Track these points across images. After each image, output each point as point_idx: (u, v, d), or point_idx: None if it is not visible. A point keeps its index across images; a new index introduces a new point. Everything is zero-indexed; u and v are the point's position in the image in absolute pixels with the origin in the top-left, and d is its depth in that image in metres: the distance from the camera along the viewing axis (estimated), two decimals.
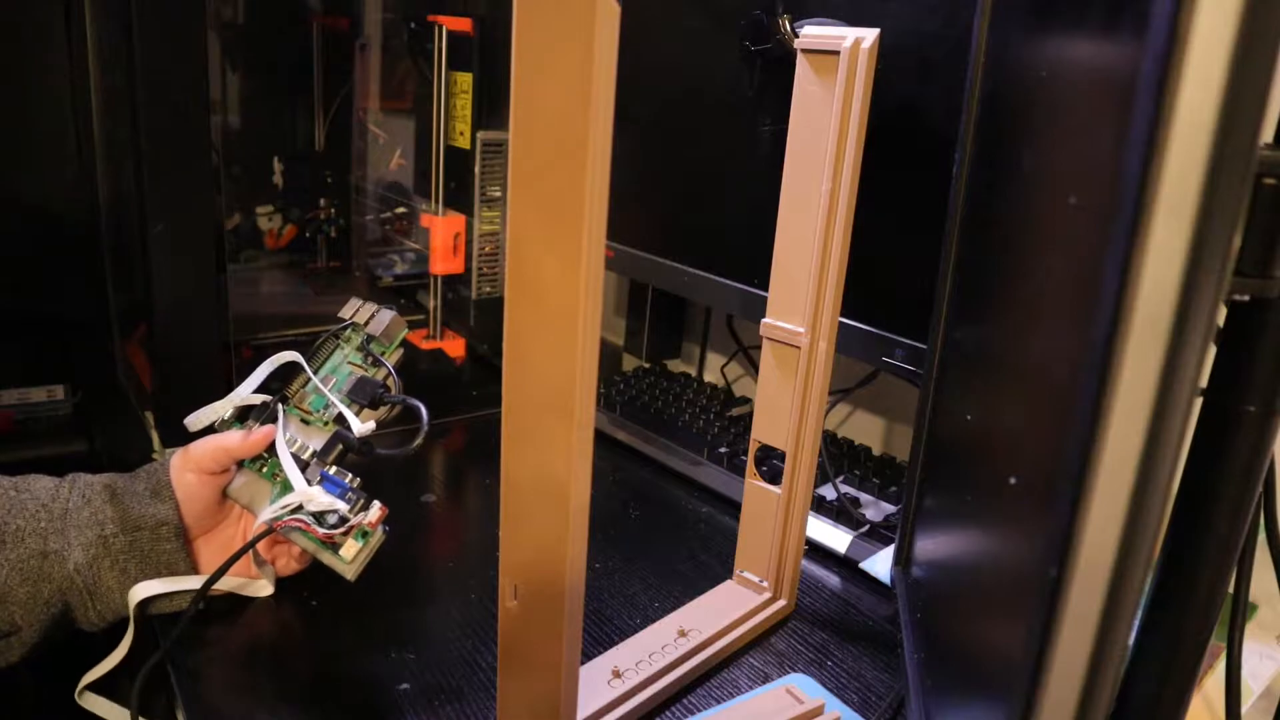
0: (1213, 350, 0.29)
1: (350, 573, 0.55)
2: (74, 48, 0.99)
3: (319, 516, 0.55)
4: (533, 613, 0.42)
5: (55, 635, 0.55)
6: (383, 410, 0.60)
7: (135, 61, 0.70)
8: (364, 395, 0.59)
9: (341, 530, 0.55)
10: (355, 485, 0.56)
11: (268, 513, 0.56)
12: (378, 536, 0.56)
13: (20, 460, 0.58)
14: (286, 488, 0.57)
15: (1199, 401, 0.30)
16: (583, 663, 0.53)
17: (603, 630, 0.62)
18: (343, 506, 0.55)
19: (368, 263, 1.07)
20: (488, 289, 0.99)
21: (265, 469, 0.59)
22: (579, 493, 0.39)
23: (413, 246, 1.05)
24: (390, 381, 0.61)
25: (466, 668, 0.58)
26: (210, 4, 0.92)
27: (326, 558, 0.56)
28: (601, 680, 0.55)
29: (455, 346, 1.03)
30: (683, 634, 0.60)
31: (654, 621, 0.61)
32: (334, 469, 0.57)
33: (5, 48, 0.99)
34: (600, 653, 0.58)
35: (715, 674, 0.59)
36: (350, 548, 0.55)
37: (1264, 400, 0.29)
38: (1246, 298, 0.27)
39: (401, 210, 1.05)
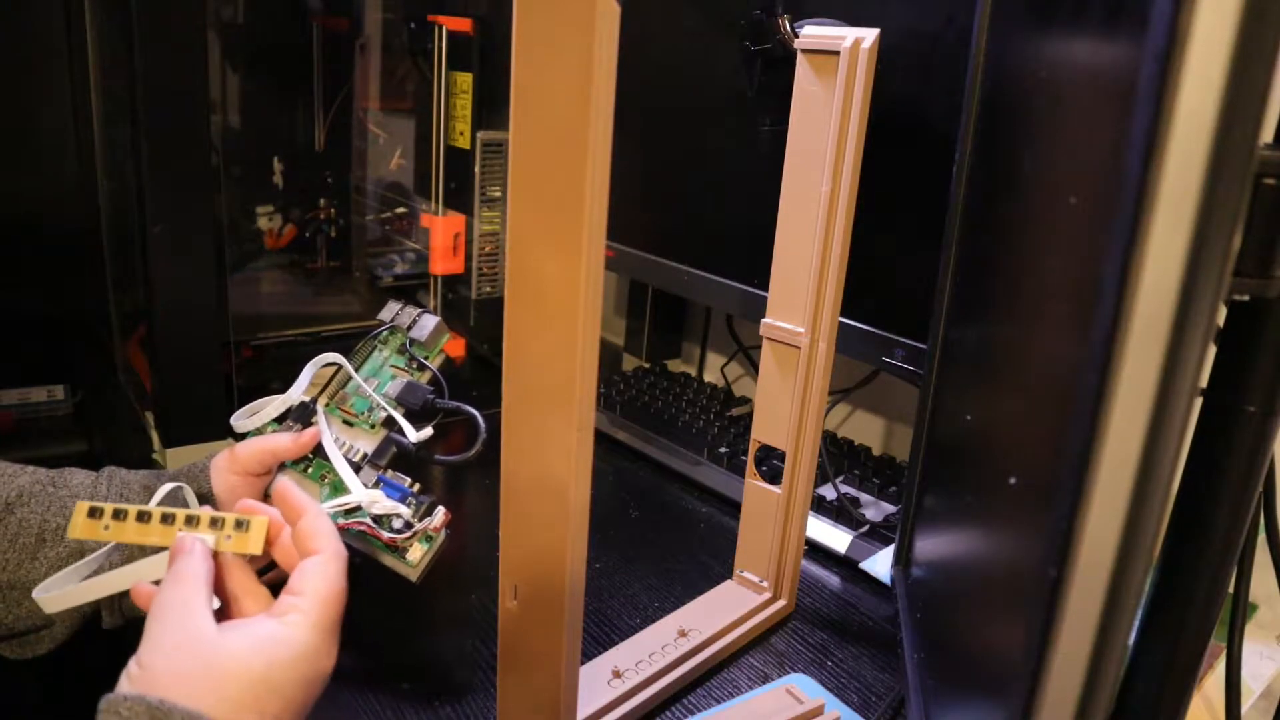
0: (1213, 350, 0.29)
1: (414, 575, 0.54)
2: (74, 48, 0.99)
3: (380, 520, 0.54)
4: (533, 613, 0.42)
5: (80, 632, 0.55)
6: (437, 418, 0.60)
7: (135, 61, 0.70)
8: (414, 399, 0.59)
9: (406, 535, 0.54)
10: (416, 490, 0.56)
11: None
12: (441, 540, 0.55)
13: (20, 460, 0.58)
14: (337, 489, 0.56)
15: (1199, 401, 0.30)
16: (583, 663, 0.53)
17: (603, 630, 0.62)
18: (406, 511, 0.54)
19: (368, 263, 1.07)
20: (488, 289, 0.99)
21: (310, 470, 0.58)
22: (579, 493, 0.39)
23: (413, 246, 1.05)
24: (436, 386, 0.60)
25: (466, 668, 0.58)
26: (210, 4, 0.92)
27: (389, 560, 0.55)
28: (601, 680, 0.55)
29: (455, 346, 1.03)
30: (683, 634, 0.60)
31: (654, 621, 0.61)
32: (389, 472, 0.57)
33: (5, 49, 0.99)
34: (600, 653, 0.58)
35: (715, 674, 0.59)
36: (416, 551, 0.54)
37: (1264, 400, 0.29)
38: (1246, 298, 0.27)
39: (401, 210, 1.05)
